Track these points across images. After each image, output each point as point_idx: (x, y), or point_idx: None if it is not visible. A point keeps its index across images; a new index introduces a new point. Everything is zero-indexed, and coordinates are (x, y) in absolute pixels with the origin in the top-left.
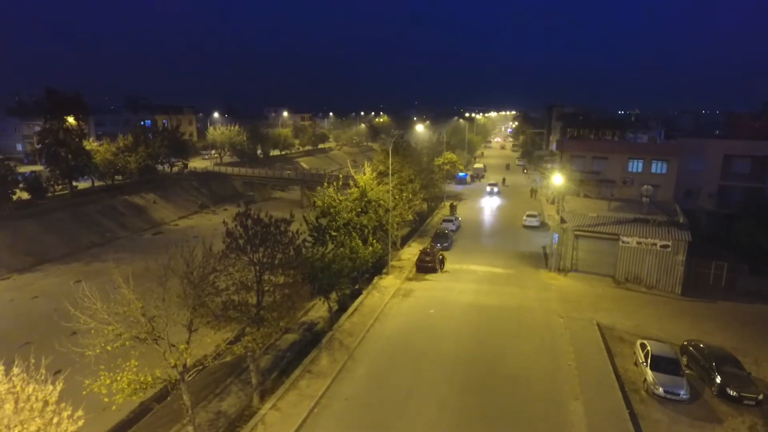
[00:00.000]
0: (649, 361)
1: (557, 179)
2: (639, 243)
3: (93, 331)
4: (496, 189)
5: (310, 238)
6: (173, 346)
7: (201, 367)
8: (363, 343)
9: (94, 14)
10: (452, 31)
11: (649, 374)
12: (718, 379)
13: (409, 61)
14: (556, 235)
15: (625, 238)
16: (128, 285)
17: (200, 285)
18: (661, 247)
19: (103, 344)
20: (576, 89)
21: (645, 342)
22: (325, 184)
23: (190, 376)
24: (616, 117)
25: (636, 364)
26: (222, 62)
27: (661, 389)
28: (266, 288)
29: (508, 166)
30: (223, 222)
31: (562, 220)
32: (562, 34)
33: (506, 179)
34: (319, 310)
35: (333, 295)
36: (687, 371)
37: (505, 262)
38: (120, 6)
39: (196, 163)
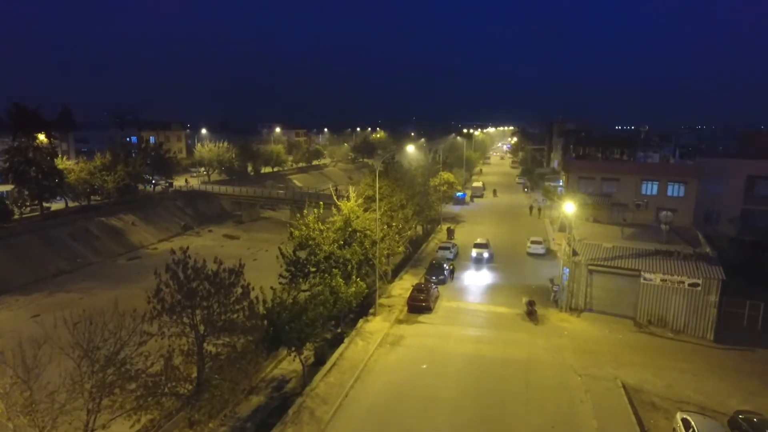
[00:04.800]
0: None
1: (569, 207)
2: (663, 280)
3: None
4: (486, 254)
5: (286, 273)
6: None
7: None
8: (339, 413)
9: (89, 27)
10: (450, 46)
11: None
12: None
13: (408, 76)
14: (566, 270)
15: (647, 275)
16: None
17: (106, 367)
18: (689, 285)
19: None
20: (570, 104)
21: (688, 418)
22: (305, 210)
23: None
24: (616, 133)
25: None
26: (219, 77)
27: None
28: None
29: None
30: (155, 272)
31: (574, 253)
32: (555, 50)
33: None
34: (292, 362)
35: (309, 345)
36: None
37: (508, 298)
38: (118, 20)
39: (184, 182)
